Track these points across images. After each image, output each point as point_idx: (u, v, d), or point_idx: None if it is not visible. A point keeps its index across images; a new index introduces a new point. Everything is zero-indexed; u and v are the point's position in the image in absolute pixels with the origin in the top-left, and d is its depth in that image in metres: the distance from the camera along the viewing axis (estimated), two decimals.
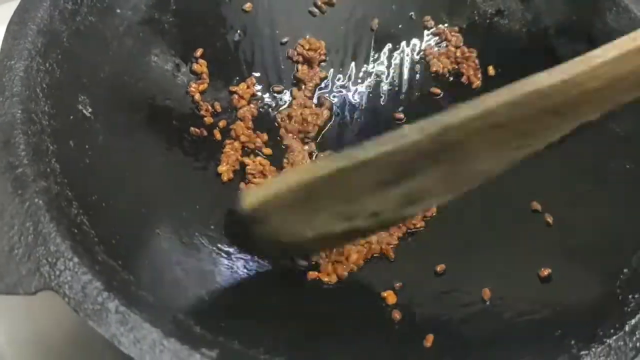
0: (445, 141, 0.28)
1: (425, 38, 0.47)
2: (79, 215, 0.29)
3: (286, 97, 0.44)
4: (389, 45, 0.47)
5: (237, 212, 0.31)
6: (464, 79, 0.45)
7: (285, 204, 0.30)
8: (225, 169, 0.40)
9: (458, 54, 0.46)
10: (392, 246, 0.38)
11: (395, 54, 0.47)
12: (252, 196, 0.31)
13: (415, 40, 0.47)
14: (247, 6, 0.45)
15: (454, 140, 0.28)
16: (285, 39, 0.46)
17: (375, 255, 0.37)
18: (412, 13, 0.47)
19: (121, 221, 0.32)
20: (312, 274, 0.36)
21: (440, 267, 0.36)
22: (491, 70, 0.45)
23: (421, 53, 0.47)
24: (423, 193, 0.30)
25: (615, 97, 0.28)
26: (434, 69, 0.46)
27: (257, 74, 0.44)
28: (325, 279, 0.36)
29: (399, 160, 0.29)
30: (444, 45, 0.47)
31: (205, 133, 0.40)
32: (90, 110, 0.34)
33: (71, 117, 0.33)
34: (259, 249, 0.34)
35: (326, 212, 0.31)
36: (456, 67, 0.46)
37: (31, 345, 0.37)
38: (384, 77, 0.46)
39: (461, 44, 0.46)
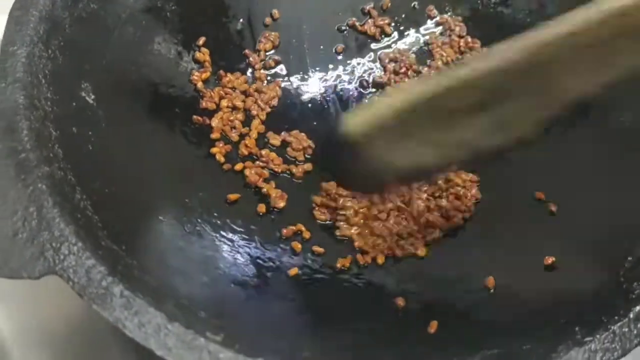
0: (539, 60, 0.28)
1: (429, 28, 0.47)
2: (82, 201, 0.29)
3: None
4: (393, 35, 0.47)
5: (338, 139, 0.31)
6: None
7: (385, 127, 0.30)
8: (217, 150, 0.39)
9: (462, 43, 0.46)
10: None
11: (399, 43, 0.47)
12: (356, 119, 0.31)
13: (418, 30, 0.47)
14: None
15: (547, 59, 0.28)
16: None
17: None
18: (415, 3, 0.47)
19: (124, 207, 0.32)
20: (317, 249, 0.36)
21: (444, 256, 0.36)
22: None
23: (424, 43, 0.47)
24: (512, 119, 0.30)
25: None
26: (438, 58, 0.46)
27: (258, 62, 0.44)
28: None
29: (493, 81, 0.29)
30: (448, 35, 0.47)
31: (207, 121, 0.40)
32: (92, 97, 0.35)
33: (74, 103, 0.33)
34: (355, 182, 0.35)
35: (417, 138, 0.30)
36: (460, 56, 0.46)
37: (35, 331, 0.37)
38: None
39: (465, 33, 0.46)
